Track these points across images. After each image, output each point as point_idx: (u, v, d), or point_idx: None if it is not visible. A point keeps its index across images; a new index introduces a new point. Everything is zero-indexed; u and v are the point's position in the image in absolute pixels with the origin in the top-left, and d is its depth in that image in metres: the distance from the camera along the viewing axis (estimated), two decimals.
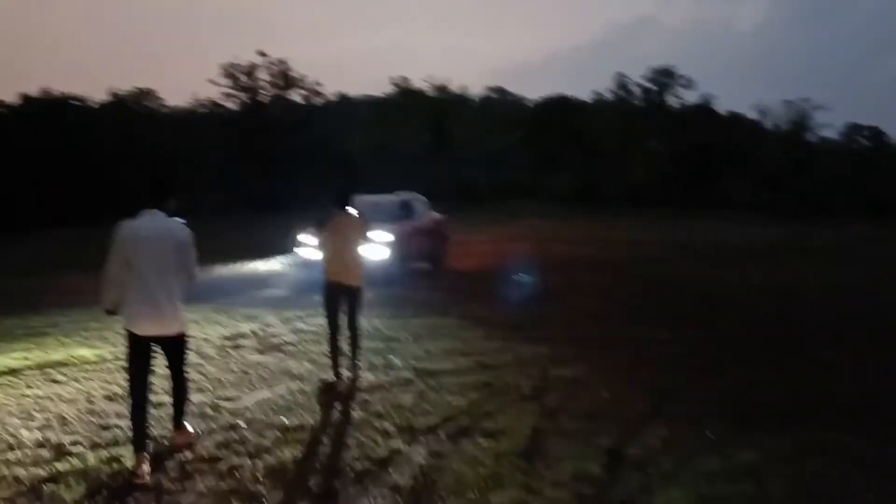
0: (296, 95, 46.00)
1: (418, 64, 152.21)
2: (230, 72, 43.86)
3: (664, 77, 54.14)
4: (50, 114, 40.33)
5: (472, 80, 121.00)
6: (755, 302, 11.55)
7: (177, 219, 4.61)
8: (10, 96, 43.26)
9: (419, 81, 60.14)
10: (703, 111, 54.63)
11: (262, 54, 44.50)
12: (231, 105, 45.18)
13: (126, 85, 53.77)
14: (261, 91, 45.05)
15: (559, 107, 59.71)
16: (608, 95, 56.50)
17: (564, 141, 54.85)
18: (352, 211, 6.83)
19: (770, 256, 19.94)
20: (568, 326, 9.17)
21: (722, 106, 57.06)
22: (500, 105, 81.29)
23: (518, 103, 79.09)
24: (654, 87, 54.61)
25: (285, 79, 45.08)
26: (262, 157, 43.20)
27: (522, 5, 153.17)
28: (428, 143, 55.95)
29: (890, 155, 58.97)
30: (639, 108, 55.39)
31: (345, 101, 74.98)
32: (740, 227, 32.49)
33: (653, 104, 54.83)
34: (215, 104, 44.82)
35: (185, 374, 4.82)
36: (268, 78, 44.93)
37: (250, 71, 44.36)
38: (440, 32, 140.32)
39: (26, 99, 42.66)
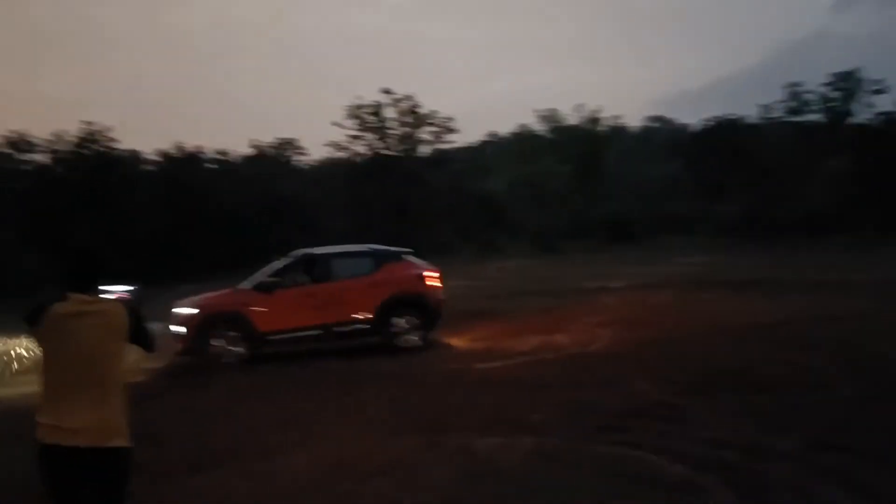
0: (426, 134, 43.63)
1: (574, 100, 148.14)
2: (355, 113, 42.28)
3: (848, 83, 46.35)
4: (182, 168, 40.72)
5: (629, 111, 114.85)
6: None
7: None
8: (152, 152, 44.32)
9: (569, 114, 56.06)
10: None
11: (387, 91, 42.64)
12: (359, 148, 43.66)
13: (273, 137, 54.18)
14: (388, 130, 43.14)
15: (725, 128, 53.13)
16: (781, 111, 49.32)
17: (731, 165, 48.46)
18: (110, 295, 3.58)
19: None
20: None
21: None
22: (660, 133, 75.57)
23: (679, 131, 73.13)
24: (837, 96, 46.92)
25: (414, 116, 42.86)
26: (395, 201, 41.14)
27: (681, 32, 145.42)
28: (576, 177, 51.80)
29: None
30: (818, 121, 47.85)
31: (493, 140, 72.77)
32: None
33: (836, 116, 47.12)
34: (341, 147, 43.45)
35: None
36: (395, 116, 42.95)
37: (376, 110, 42.57)
38: (595, 67, 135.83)
39: (163, 154, 43.38)
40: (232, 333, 11.35)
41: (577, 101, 68.81)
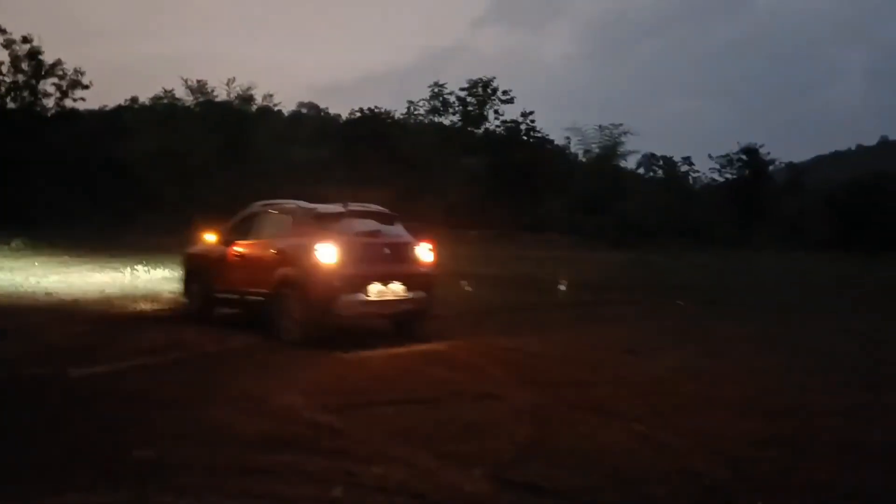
0: (49, 86, 37.02)
1: (227, 73, 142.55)
2: None
3: (483, 90, 50.41)
4: None
5: (282, 94, 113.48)
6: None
7: None
8: None
9: (218, 86, 52.29)
10: (523, 129, 51.65)
11: (2, 31, 35.28)
12: None
13: None
14: None
15: (372, 120, 54.62)
16: (424, 110, 51.95)
17: (378, 156, 49.80)
18: None
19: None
20: None
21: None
22: (311, 119, 75.52)
23: (330, 119, 73.82)
24: (473, 102, 50.74)
25: (35, 64, 35.99)
26: (3, 158, 34.26)
27: (339, 26, 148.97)
28: (223, 152, 48.68)
29: (683, 183, 59.67)
30: (456, 122, 51.41)
31: (133, 106, 65.70)
32: (570, 252, 28.77)
33: (471, 119, 51.01)
34: None
35: None
36: (8, 60, 35.64)
37: None
38: (252, 42, 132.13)
39: None
40: (195, 286, 10.62)
41: (230, 75, 64.66)
